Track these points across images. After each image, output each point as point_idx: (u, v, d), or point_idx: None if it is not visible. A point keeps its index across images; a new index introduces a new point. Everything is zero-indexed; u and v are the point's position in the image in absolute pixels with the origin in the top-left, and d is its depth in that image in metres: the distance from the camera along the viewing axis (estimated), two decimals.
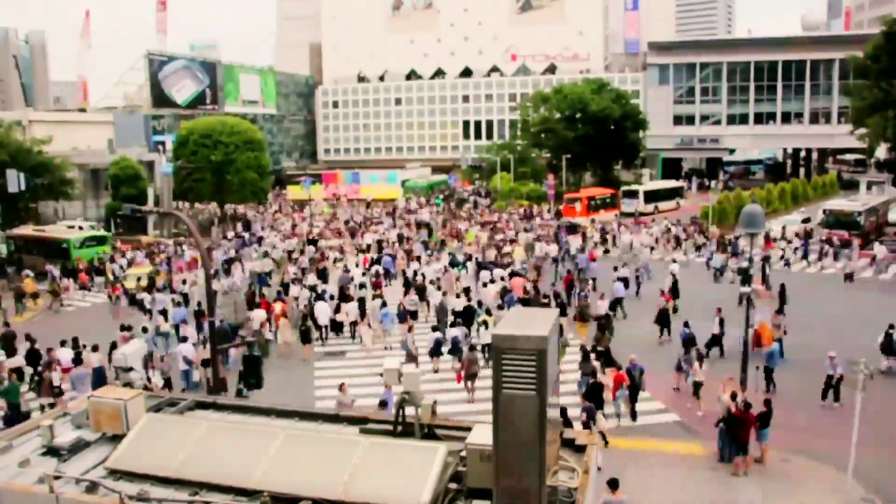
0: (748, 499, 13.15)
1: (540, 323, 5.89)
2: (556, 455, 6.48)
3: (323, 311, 25.88)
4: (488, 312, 23.61)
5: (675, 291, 28.02)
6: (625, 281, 29.33)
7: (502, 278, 29.38)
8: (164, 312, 27.12)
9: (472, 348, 20.76)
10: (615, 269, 30.65)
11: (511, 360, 5.61)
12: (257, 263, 36.51)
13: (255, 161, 58.58)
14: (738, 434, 14.86)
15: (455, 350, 21.52)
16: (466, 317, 24.34)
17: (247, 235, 48.31)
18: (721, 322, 22.61)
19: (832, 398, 18.45)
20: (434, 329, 23.13)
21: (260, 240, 45.70)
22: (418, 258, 36.57)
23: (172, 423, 7.80)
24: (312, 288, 29.28)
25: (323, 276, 33.24)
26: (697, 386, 18.56)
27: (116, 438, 7.53)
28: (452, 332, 22.42)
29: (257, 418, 8.41)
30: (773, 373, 19.40)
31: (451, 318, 24.43)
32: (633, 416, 17.98)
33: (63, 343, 21.70)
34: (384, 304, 25.87)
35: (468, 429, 6.94)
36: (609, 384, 17.98)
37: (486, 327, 22.11)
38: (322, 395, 19.76)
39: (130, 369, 18.65)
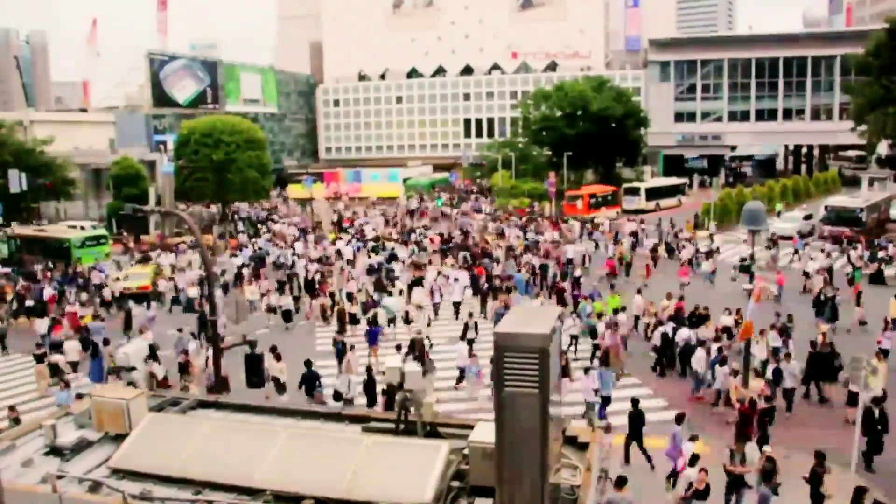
0: (750, 495, 13.15)
1: (542, 321, 5.89)
2: (559, 452, 6.48)
3: None
4: None
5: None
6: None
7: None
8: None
9: None
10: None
11: (513, 359, 5.61)
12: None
13: (257, 160, 58.53)
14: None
15: None
16: None
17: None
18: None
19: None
20: None
21: None
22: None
23: (175, 423, 7.81)
24: None
25: None
26: None
27: (119, 438, 7.54)
28: None
29: (260, 417, 8.42)
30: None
31: None
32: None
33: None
34: None
35: (470, 427, 6.94)
36: None
37: None
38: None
39: (133, 369, 18.65)
